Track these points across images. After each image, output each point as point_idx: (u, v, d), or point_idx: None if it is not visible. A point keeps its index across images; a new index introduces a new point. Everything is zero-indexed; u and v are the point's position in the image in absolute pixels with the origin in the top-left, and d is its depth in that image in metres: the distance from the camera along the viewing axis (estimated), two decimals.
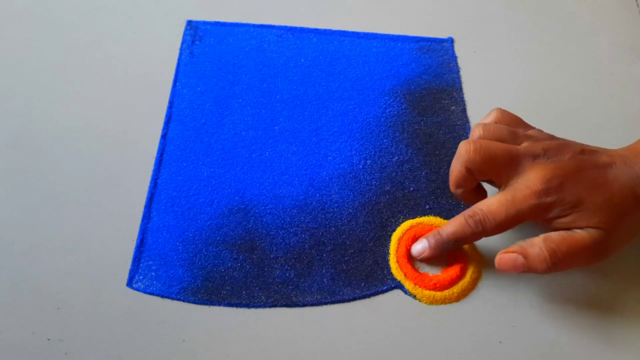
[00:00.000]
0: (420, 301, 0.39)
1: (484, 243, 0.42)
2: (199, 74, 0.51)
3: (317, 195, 0.44)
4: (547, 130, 0.39)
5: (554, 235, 0.35)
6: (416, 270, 0.40)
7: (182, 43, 0.53)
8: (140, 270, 0.40)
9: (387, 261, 0.41)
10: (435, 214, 0.43)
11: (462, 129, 0.48)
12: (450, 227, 0.37)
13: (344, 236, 0.42)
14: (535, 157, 0.35)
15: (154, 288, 0.39)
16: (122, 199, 0.43)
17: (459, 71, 0.52)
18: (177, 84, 0.50)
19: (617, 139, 0.47)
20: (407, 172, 0.45)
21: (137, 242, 0.41)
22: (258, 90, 0.50)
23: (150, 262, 0.40)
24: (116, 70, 0.51)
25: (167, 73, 0.51)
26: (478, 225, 0.35)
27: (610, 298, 0.40)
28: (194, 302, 0.39)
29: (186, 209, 0.43)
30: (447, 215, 0.43)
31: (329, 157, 0.46)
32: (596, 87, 0.51)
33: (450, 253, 0.41)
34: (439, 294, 0.39)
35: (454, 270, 0.40)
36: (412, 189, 0.44)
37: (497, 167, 0.35)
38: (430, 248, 0.39)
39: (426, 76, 0.51)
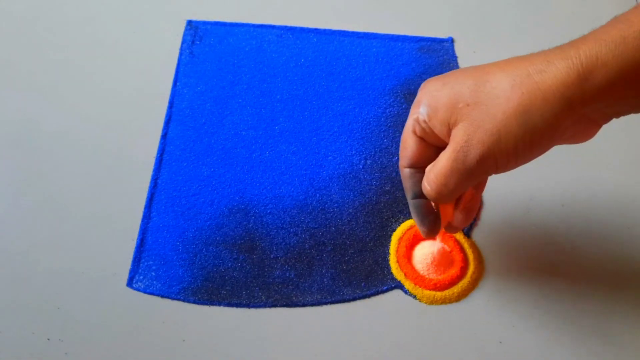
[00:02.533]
0: (420, 301, 0.39)
1: (485, 243, 0.42)
2: (199, 74, 0.51)
3: (317, 195, 0.44)
4: None
5: None
6: (417, 270, 0.40)
7: (182, 43, 0.53)
8: (140, 270, 0.40)
9: (387, 261, 0.41)
10: None
11: None
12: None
13: (344, 236, 0.42)
14: None
15: (154, 288, 0.39)
16: (122, 198, 0.43)
17: None
18: (177, 84, 0.50)
19: (617, 138, 0.47)
20: None
21: (137, 242, 0.41)
22: (258, 90, 0.50)
23: (150, 262, 0.40)
24: (116, 70, 0.51)
25: (167, 73, 0.51)
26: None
27: (610, 298, 0.40)
28: (194, 302, 0.39)
29: (186, 209, 0.43)
30: None
31: (329, 157, 0.46)
32: None
33: (451, 253, 0.41)
34: (439, 294, 0.39)
35: (454, 271, 0.40)
36: None
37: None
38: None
39: (426, 76, 0.51)
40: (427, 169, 0.32)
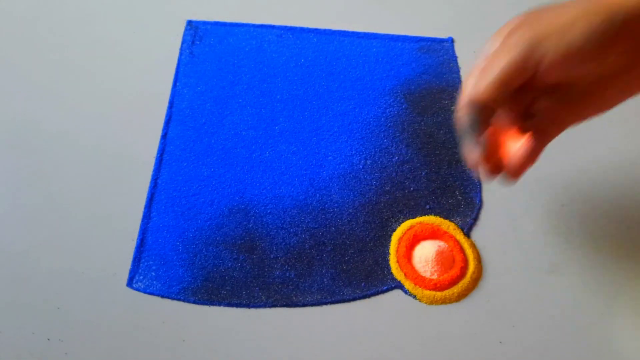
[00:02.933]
0: (420, 301, 0.39)
1: (484, 243, 0.42)
2: (199, 74, 0.51)
3: (317, 195, 0.44)
4: None
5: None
6: (417, 270, 0.40)
7: (182, 43, 0.53)
8: (140, 270, 0.40)
9: (387, 261, 0.41)
10: (435, 214, 0.43)
11: None
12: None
13: (344, 236, 0.42)
14: None
15: (154, 288, 0.39)
16: (122, 198, 0.43)
17: (459, 71, 0.52)
18: (178, 84, 0.50)
19: (617, 138, 0.47)
20: (407, 172, 0.45)
21: (137, 242, 0.41)
22: (258, 90, 0.50)
23: (150, 262, 0.40)
24: (116, 70, 0.51)
25: (168, 73, 0.51)
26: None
27: (609, 298, 0.40)
28: (194, 302, 0.39)
29: (186, 209, 0.43)
30: (447, 215, 0.43)
31: (329, 157, 0.46)
32: None
33: (451, 253, 0.41)
34: (439, 294, 0.39)
35: (454, 271, 0.40)
36: (412, 189, 0.44)
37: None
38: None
39: (426, 76, 0.51)
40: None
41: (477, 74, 0.32)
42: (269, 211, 0.43)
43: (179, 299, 0.39)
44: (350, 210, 0.43)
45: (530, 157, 0.32)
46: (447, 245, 0.41)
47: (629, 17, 0.28)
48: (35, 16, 0.55)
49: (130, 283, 0.39)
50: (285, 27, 0.54)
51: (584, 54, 0.29)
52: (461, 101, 0.32)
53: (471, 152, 0.32)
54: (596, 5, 0.28)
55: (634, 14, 0.28)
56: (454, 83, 0.51)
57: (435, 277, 0.39)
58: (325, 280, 0.40)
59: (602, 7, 0.28)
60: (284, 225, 0.42)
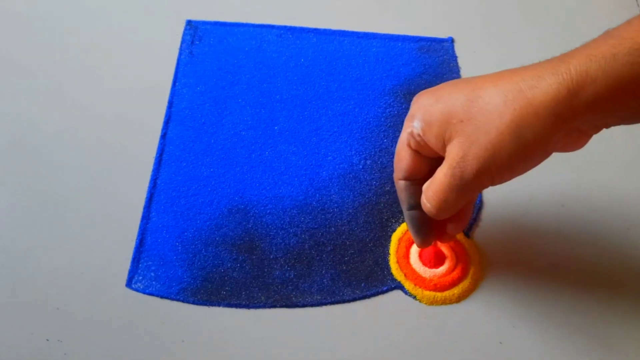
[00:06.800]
0: (420, 302, 0.39)
1: (485, 243, 0.42)
2: (198, 74, 0.51)
3: (317, 195, 0.44)
4: None
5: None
6: (416, 270, 0.40)
7: (182, 43, 0.53)
8: (139, 271, 0.40)
9: (387, 261, 0.41)
10: None
11: None
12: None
13: (344, 236, 0.42)
14: None
15: (154, 288, 0.39)
16: (121, 199, 0.43)
17: (459, 71, 0.52)
18: (177, 84, 0.50)
19: (616, 138, 0.47)
20: None
21: (136, 242, 0.41)
22: (258, 90, 0.50)
23: (150, 263, 0.40)
24: (116, 70, 0.51)
25: (167, 73, 0.51)
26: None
27: (609, 298, 0.40)
28: (194, 303, 0.39)
29: (186, 209, 0.43)
30: None
31: (329, 157, 0.46)
32: None
33: (452, 250, 0.41)
34: (439, 295, 0.39)
35: (455, 271, 0.40)
36: None
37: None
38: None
39: (426, 76, 0.51)
40: (425, 186, 0.33)
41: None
42: (268, 211, 0.43)
43: (178, 300, 0.39)
44: (350, 211, 0.43)
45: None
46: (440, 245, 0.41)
47: (561, 117, 0.27)
48: (35, 16, 0.55)
49: (129, 283, 0.39)
50: (285, 27, 0.54)
51: (512, 171, 0.30)
52: (395, 178, 0.36)
53: (413, 234, 0.36)
54: (521, 108, 0.27)
55: (565, 112, 0.27)
56: None
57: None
58: (325, 280, 0.40)
59: (529, 111, 0.27)
60: (284, 226, 0.42)
